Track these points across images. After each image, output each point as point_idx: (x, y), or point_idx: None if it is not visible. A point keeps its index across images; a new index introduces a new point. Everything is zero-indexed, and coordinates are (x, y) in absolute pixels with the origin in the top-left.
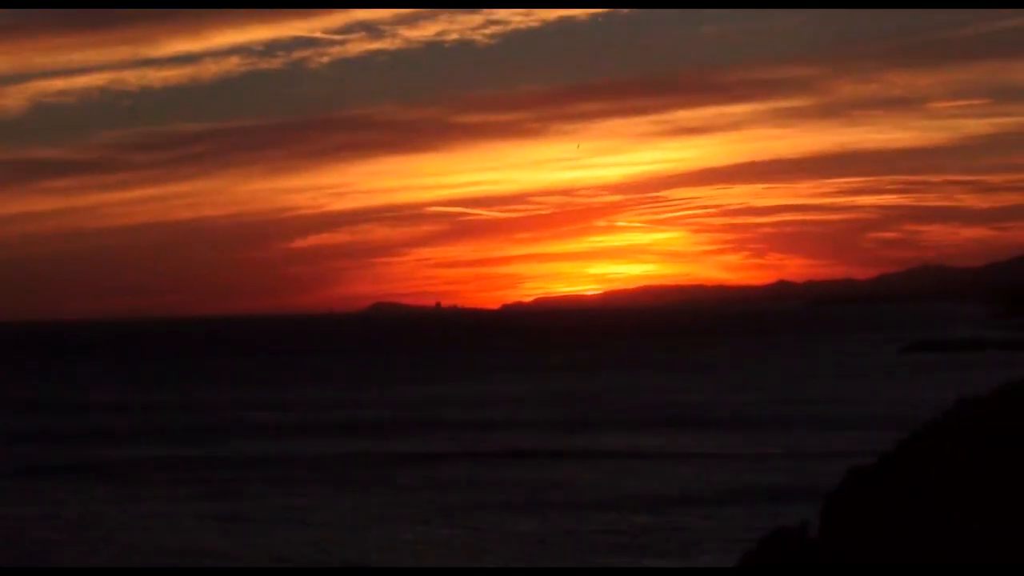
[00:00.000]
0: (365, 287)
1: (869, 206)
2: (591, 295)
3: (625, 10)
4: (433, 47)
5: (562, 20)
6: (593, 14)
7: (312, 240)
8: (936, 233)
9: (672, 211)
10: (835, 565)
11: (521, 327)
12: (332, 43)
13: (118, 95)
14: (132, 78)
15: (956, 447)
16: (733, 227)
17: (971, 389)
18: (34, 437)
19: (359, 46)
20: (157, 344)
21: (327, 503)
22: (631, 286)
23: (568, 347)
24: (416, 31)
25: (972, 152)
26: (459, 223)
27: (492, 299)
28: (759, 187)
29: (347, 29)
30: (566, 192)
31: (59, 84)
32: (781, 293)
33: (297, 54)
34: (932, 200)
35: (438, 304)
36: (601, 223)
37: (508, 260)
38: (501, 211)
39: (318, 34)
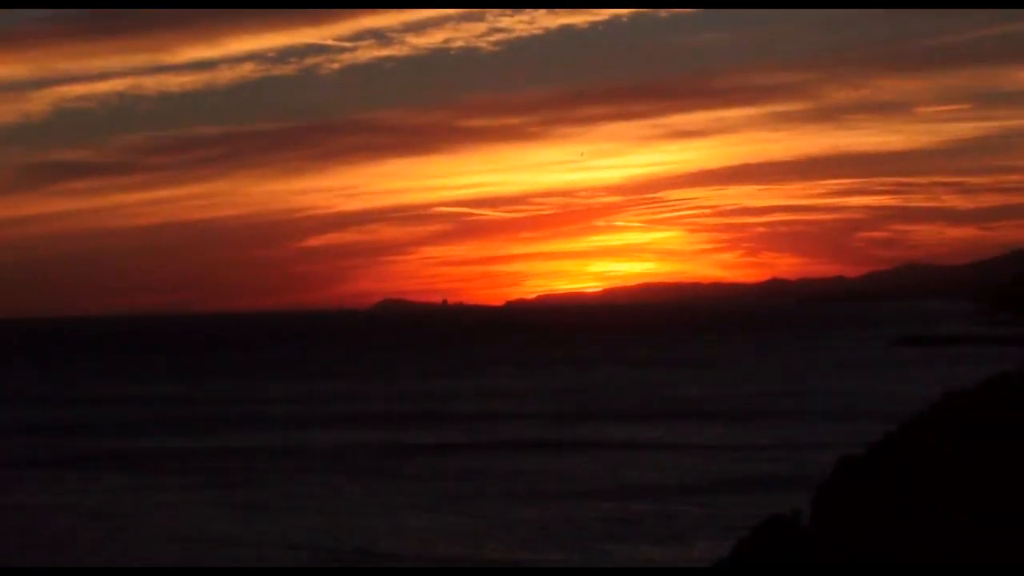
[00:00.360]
0: (373, 284)
1: (859, 207)
2: (592, 292)
3: (626, 14)
4: (439, 54)
5: (563, 28)
6: (593, 22)
7: (322, 239)
8: (923, 233)
9: (669, 211)
10: (826, 553)
11: (524, 323)
12: (342, 50)
13: (137, 100)
14: (150, 84)
15: (942, 440)
16: (728, 227)
17: (957, 382)
18: (53, 429)
19: (368, 53)
20: (173, 339)
21: (337, 491)
22: (630, 283)
23: (569, 342)
24: (423, 38)
25: (957, 155)
26: (464, 223)
27: (496, 296)
28: (753, 188)
29: (357, 36)
30: (567, 193)
31: (81, 90)
32: (774, 290)
33: (309, 60)
34: (919, 201)
35: (444, 301)
36: (601, 223)
37: (511, 259)
38: (505, 211)
39: (329, 41)
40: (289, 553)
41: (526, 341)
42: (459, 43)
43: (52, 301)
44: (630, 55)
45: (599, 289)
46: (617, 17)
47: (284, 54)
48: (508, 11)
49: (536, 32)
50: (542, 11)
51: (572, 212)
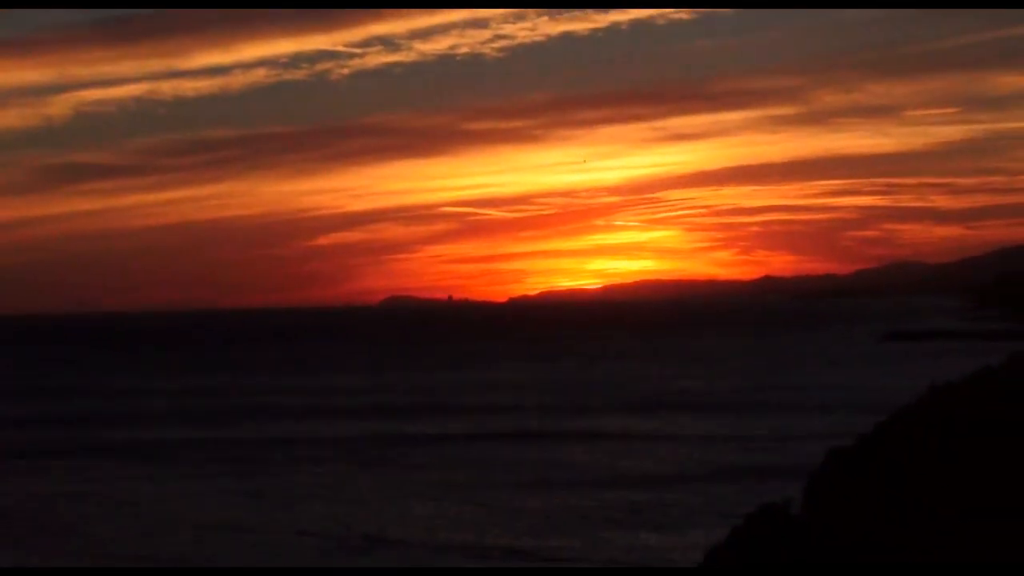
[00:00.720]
0: (381, 282)
1: (849, 207)
2: (591, 289)
3: (625, 21)
4: (445, 59)
5: (563, 35)
6: (592, 29)
7: (331, 238)
8: (912, 232)
9: (667, 211)
10: (817, 541)
11: (526, 319)
12: (352, 56)
13: (153, 104)
14: (166, 88)
15: (928, 433)
16: (723, 226)
17: (943, 376)
18: (73, 420)
19: (376, 59)
20: (187, 334)
21: (346, 480)
22: (629, 281)
23: (570, 337)
24: (429, 45)
25: (945, 157)
26: (468, 222)
27: (499, 293)
28: (748, 189)
29: (366, 43)
30: (568, 194)
31: (100, 94)
32: (768, 287)
33: (319, 66)
34: (908, 201)
35: (449, 297)
36: (600, 222)
37: (514, 257)
38: (507, 211)
39: (339, 47)
40: (300, 539)
41: (528, 336)
42: (464, 49)
43: (71, 297)
44: (629, 61)
45: (599, 286)
46: (616, 24)
47: (295, 60)
48: (511, 18)
49: (538, 39)
50: (544, 18)
51: (573, 212)
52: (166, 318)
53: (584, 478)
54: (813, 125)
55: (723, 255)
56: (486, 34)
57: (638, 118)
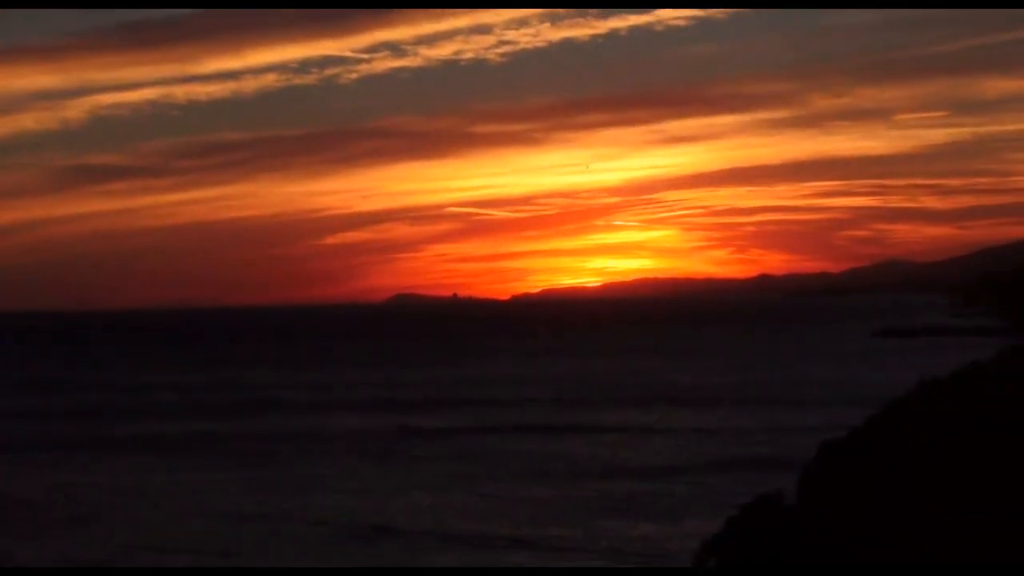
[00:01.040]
0: (387, 280)
1: (842, 207)
2: (592, 287)
3: (624, 27)
4: (450, 64)
5: (564, 40)
6: (593, 35)
7: (339, 238)
8: (902, 231)
9: (665, 211)
10: (809, 531)
11: (528, 316)
12: (360, 61)
13: (167, 107)
14: (180, 92)
15: (917, 427)
16: (720, 226)
17: (932, 371)
18: (88, 413)
19: (384, 63)
20: (199, 331)
21: (354, 472)
22: (628, 279)
23: (571, 333)
24: (435, 50)
25: (934, 159)
26: (473, 222)
27: (503, 291)
28: (743, 190)
29: (373, 48)
30: (569, 194)
31: (115, 98)
32: (762, 285)
33: (329, 71)
34: (898, 202)
35: (454, 295)
36: (600, 222)
37: (517, 255)
38: (510, 211)
39: (347, 53)
40: (310, 529)
41: (530, 332)
42: (468, 55)
43: (87, 295)
44: (628, 66)
45: (598, 284)
46: (615, 31)
47: (305, 65)
48: (514, 24)
49: (540, 44)
50: (546, 24)
51: (574, 212)
52: (178, 315)
53: (584, 469)
54: (806, 128)
55: (719, 254)
56: (490, 40)
57: (637, 121)
